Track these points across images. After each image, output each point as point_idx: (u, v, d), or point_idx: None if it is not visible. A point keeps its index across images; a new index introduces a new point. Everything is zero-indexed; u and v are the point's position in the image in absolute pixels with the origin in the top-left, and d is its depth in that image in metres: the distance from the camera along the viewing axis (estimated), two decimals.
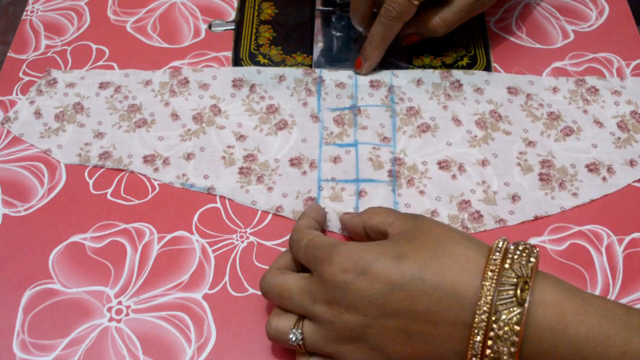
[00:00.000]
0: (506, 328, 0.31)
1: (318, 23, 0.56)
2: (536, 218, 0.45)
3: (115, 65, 0.54)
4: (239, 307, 0.41)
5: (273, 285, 0.39)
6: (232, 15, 0.57)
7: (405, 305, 0.34)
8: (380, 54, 0.51)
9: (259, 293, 0.42)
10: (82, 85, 0.52)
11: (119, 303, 0.41)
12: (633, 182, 0.47)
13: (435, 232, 0.36)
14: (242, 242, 0.44)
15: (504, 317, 0.31)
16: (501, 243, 0.34)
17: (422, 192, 0.46)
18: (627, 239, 0.44)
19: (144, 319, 0.41)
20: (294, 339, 0.37)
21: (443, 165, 0.47)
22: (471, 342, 0.32)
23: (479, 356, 0.32)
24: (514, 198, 0.46)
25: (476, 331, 0.32)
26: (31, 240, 0.44)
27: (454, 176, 0.47)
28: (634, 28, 0.56)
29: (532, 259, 0.33)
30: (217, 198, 0.46)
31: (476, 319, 0.32)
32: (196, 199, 0.46)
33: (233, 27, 0.56)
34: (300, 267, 0.40)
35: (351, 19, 0.52)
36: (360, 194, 0.46)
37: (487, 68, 0.53)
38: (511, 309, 0.31)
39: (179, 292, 0.42)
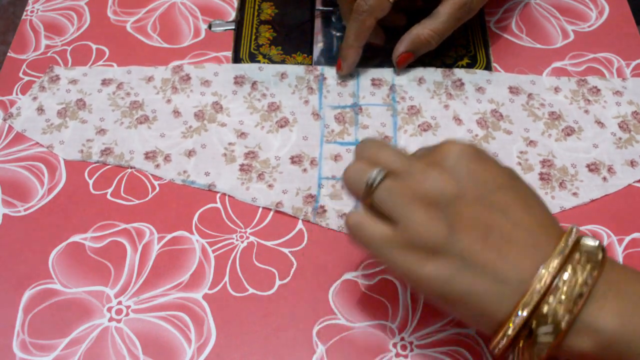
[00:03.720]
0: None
1: (318, 23, 0.56)
2: None
3: (115, 65, 0.54)
4: (239, 307, 0.41)
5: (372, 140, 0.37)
6: (232, 15, 0.57)
7: (507, 203, 0.33)
8: (356, 52, 0.50)
9: (259, 293, 0.42)
10: (84, 82, 0.52)
11: (119, 303, 0.41)
12: (633, 182, 0.47)
13: None
14: (242, 242, 0.44)
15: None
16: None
17: None
18: (627, 239, 0.44)
19: (144, 319, 0.41)
20: (373, 175, 0.34)
21: None
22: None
23: (534, 305, 0.31)
24: None
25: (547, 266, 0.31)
26: (31, 240, 0.44)
27: None
28: (634, 28, 0.56)
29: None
30: (217, 198, 0.46)
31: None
32: (196, 199, 0.46)
33: (233, 27, 0.56)
34: None
35: (343, 20, 0.52)
36: None
37: (487, 68, 0.53)
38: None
39: (179, 292, 0.42)
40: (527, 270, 0.31)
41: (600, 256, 0.32)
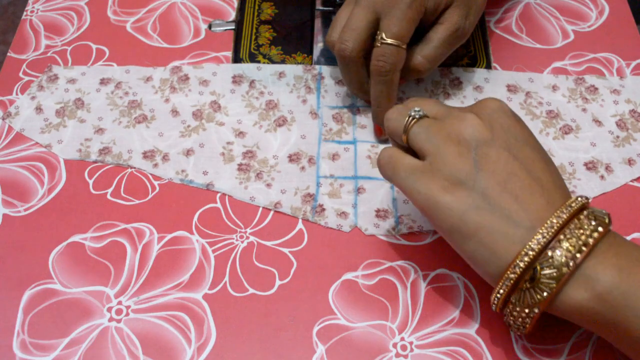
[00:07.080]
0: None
1: (318, 23, 0.56)
2: None
3: (115, 65, 0.54)
4: (239, 307, 0.41)
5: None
6: (232, 15, 0.57)
7: (530, 159, 0.36)
8: None
9: (259, 293, 0.42)
10: (83, 81, 0.53)
11: (119, 303, 0.41)
12: (632, 181, 0.47)
13: None
14: (242, 242, 0.44)
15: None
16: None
17: None
18: (627, 239, 0.44)
19: (144, 319, 0.41)
20: (412, 113, 0.38)
21: None
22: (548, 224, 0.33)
23: (540, 248, 0.33)
24: None
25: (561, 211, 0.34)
26: (31, 240, 0.44)
27: None
28: (634, 28, 0.56)
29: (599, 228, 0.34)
30: (217, 198, 0.46)
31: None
32: (196, 199, 0.46)
33: (233, 27, 0.56)
34: None
35: (348, 89, 0.50)
36: (358, 190, 0.46)
37: (487, 68, 0.53)
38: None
39: (179, 292, 0.42)
40: (539, 219, 0.34)
41: (606, 219, 0.34)
